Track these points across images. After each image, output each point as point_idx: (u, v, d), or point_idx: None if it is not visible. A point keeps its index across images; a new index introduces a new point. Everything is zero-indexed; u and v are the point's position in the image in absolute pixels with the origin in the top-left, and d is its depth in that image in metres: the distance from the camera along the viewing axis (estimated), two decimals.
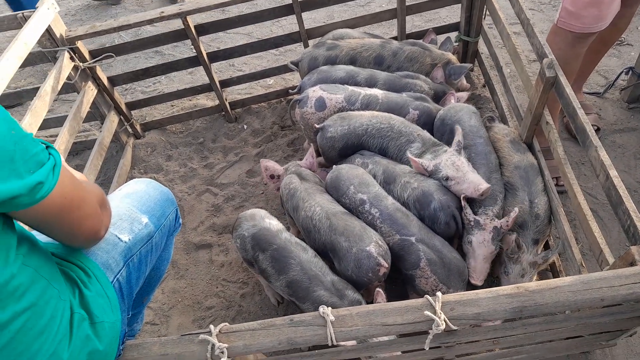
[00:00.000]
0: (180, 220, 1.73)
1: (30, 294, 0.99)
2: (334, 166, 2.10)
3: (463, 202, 1.88)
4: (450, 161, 1.90)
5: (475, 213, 1.91)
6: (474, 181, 1.85)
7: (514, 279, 1.82)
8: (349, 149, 2.20)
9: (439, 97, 2.43)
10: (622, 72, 2.73)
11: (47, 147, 1.00)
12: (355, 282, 1.81)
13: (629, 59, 2.97)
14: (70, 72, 2.46)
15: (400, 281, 1.98)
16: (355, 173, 2.02)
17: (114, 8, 4.45)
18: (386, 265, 1.77)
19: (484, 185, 1.83)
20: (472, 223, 1.87)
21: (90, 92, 2.62)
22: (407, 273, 1.84)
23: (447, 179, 1.90)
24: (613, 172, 1.47)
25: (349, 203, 1.96)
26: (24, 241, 1.03)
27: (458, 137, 1.98)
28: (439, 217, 1.86)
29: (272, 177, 2.26)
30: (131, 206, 1.49)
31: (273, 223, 1.91)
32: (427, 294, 1.26)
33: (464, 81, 2.67)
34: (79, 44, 2.49)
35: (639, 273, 1.19)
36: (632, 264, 1.28)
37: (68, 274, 1.20)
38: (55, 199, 0.99)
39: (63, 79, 2.39)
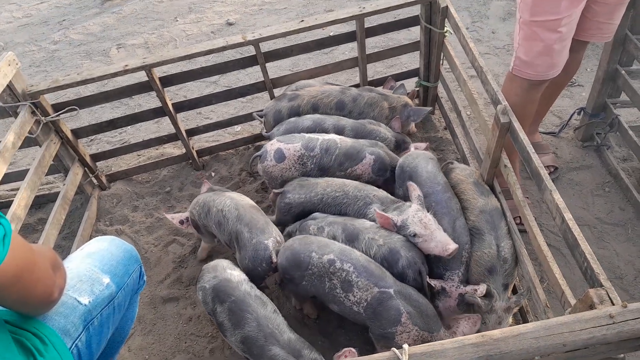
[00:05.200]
0: (145, 278, 1.70)
1: None
2: (282, 247, 2.00)
3: (429, 279, 1.89)
4: (417, 218, 1.90)
5: (440, 275, 1.94)
6: (442, 241, 1.85)
7: (492, 329, 1.83)
8: (305, 214, 2.22)
9: (398, 145, 2.52)
10: (574, 112, 2.86)
11: None
12: (252, 271, 1.98)
13: (580, 99, 3.12)
14: (32, 127, 2.43)
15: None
16: (308, 240, 1.95)
17: (79, 57, 4.45)
18: (276, 261, 1.95)
19: (452, 245, 1.84)
20: (438, 289, 1.90)
21: (53, 145, 2.58)
22: (384, 332, 1.79)
23: (414, 235, 1.89)
24: (568, 215, 1.52)
25: (317, 270, 1.86)
26: None
27: (417, 191, 1.99)
28: (408, 274, 1.87)
29: (181, 222, 2.40)
30: (92, 266, 1.46)
31: (235, 274, 1.89)
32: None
33: (414, 125, 2.85)
34: (42, 98, 2.48)
35: (597, 317, 1.22)
36: (592, 306, 1.31)
37: (22, 343, 1.16)
38: (7, 269, 0.97)
39: (24, 134, 2.35)
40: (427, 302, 1.84)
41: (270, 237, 2.00)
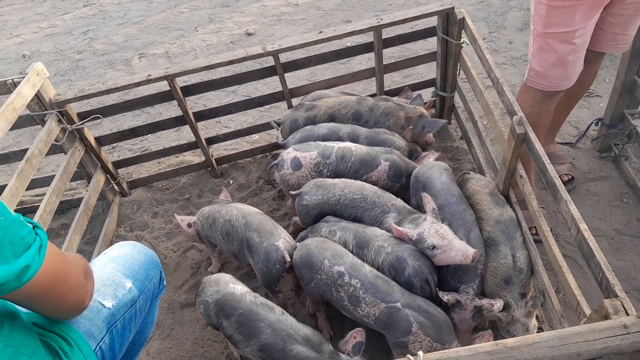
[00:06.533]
0: (165, 283, 1.74)
1: None
2: (299, 244, 2.07)
3: (441, 294, 1.90)
4: (434, 229, 1.90)
5: (455, 288, 1.95)
6: (461, 249, 1.85)
7: None
8: (324, 215, 2.24)
9: (411, 155, 2.55)
10: (591, 123, 2.85)
11: (34, 226, 1.03)
12: (266, 274, 2.04)
13: (598, 109, 3.11)
14: (58, 134, 2.51)
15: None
16: (325, 245, 1.98)
17: (102, 67, 4.57)
18: (289, 260, 2.01)
19: (471, 250, 1.83)
20: (453, 303, 1.91)
21: (77, 152, 2.66)
22: (398, 341, 1.82)
23: (433, 247, 1.89)
24: (583, 226, 1.52)
25: (326, 278, 1.91)
26: (5, 319, 1.04)
27: (431, 204, 1.99)
28: (414, 283, 1.89)
29: (189, 225, 2.49)
30: (115, 271, 1.50)
31: (237, 287, 1.90)
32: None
33: (431, 135, 2.86)
34: (68, 107, 2.56)
35: (612, 327, 1.22)
36: (606, 317, 1.31)
37: (49, 345, 1.20)
38: (42, 279, 1.01)
39: (51, 142, 2.44)
40: (440, 312, 1.85)
41: (280, 239, 2.05)
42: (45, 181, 2.81)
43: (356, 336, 1.72)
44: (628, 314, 1.28)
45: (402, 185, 2.38)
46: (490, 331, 1.84)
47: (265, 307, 1.81)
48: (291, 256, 2.03)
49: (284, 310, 1.85)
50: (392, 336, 1.84)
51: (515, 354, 1.22)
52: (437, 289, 1.93)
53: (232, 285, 1.90)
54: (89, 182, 2.85)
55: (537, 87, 2.17)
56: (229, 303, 1.83)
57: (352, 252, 2.01)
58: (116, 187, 3.04)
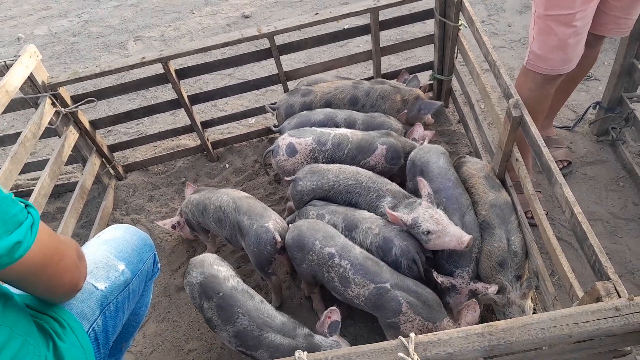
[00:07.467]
0: (159, 265, 1.74)
1: (5, 353, 1.00)
2: (291, 225, 2.07)
3: (436, 275, 1.91)
4: (429, 214, 1.89)
5: (450, 272, 1.95)
6: (455, 234, 1.85)
7: None
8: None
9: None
10: (590, 106, 2.84)
11: (26, 205, 1.03)
12: (258, 256, 2.05)
13: (596, 93, 3.09)
14: (51, 118, 2.49)
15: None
16: (316, 227, 1.98)
17: (97, 49, 4.53)
18: (280, 240, 2.01)
19: (466, 237, 1.83)
20: (448, 287, 1.92)
21: (71, 136, 2.64)
22: (389, 321, 1.83)
23: (427, 232, 1.88)
24: (577, 209, 1.52)
25: (317, 259, 1.92)
26: None
27: (427, 188, 1.98)
28: (402, 263, 1.90)
29: (173, 227, 2.52)
30: (108, 253, 1.50)
31: (222, 269, 1.90)
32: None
33: (429, 116, 2.82)
34: (61, 90, 2.54)
35: (603, 309, 1.23)
36: (598, 299, 1.31)
37: (42, 326, 1.21)
38: (34, 257, 1.01)
39: (44, 125, 2.42)
40: (429, 291, 1.86)
41: (270, 220, 2.06)
42: (41, 165, 2.79)
43: (331, 315, 1.76)
44: (620, 297, 1.29)
45: (402, 166, 2.37)
46: (475, 300, 1.86)
47: (245, 294, 1.82)
48: (282, 237, 2.04)
49: (264, 299, 1.86)
50: (383, 317, 1.85)
51: (506, 335, 1.23)
52: (433, 270, 1.94)
53: (216, 267, 1.90)
54: (84, 166, 2.83)
55: (537, 70, 2.14)
56: (212, 285, 1.83)
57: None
58: (112, 171, 3.02)
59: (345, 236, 2.00)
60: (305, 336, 1.73)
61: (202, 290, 1.84)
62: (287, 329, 1.75)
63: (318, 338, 1.73)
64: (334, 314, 1.76)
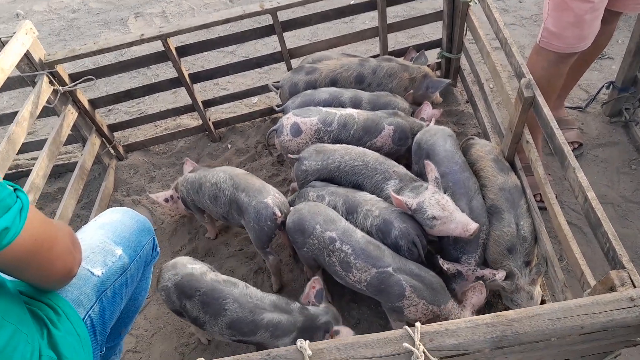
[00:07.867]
0: (158, 249, 1.70)
1: None
2: (292, 208, 2.03)
3: (442, 262, 1.88)
4: (435, 200, 1.83)
5: (457, 259, 1.91)
6: (462, 221, 1.79)
7: (526, 306, 1.81)
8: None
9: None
10: (603, 86, 2.75)
11: (15, 189, 0.98)
12: (259, 232, 2.02)
13: (610, 72, 2.99)
14: (49, 96, 2.43)
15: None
16: (317, 210, 1.94)
17: (97, 26, 4.43)
18: (280, 215, 1.99)
19: (472, 225, 1.78)
20: (454, 273, 1.88)
21: (70, 115, 2.59)
22: (393, 305, 1.80)
23: (433, 218, 1.82)
24: (591, 194, 1.46)
25: (318, 243, 1.88)
26: None
27: (434, 172, 1.92)
28: (401, 245, 1.86)
29: (166, 200, 2.46)
30: (105, 238, 1.46)
31: (196, 267, 1.84)
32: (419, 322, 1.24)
33: (438, 95, 2.73)
34: (59, 68, 2.47)
35: (617, 299, 1.18)
36: (612, 289, 1.26)
37: (36, 314, 1.17)
38: (24, 243, 0.97)
39: (42, 104, 2.36)
40: (432, 274, 1.83)
41: (269, 195, 2.02)
42: (40, 144, 2.74)
43: (314, 285, 1.79)
44: (635, 286, 1.24)
45: (409, 147, 2.30)
46: (482, 282, 1.83)
47: (228, 284, 1.78)
48: (282, 212, 2.01)
49: (247, 284, 1.82)
50: (386, 301, 1.82)
51: (516, 326, 1.18)
52: (438, 257, 1.89)
53: (190, 266, 1.83)
54: (83, 146, 2.78)
55: (550, 48, 2.06)
56: (189, 284, 1.77)
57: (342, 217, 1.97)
58: (112, 151, 2.97)
59: (346, 219, 1.96)
60: (300, 309, 1.74)
61: (180, 290, 1.77)
62: (281, 305, 1.74)
63: (312, 308, 1.75)
64: (317, 283, 1.80)
